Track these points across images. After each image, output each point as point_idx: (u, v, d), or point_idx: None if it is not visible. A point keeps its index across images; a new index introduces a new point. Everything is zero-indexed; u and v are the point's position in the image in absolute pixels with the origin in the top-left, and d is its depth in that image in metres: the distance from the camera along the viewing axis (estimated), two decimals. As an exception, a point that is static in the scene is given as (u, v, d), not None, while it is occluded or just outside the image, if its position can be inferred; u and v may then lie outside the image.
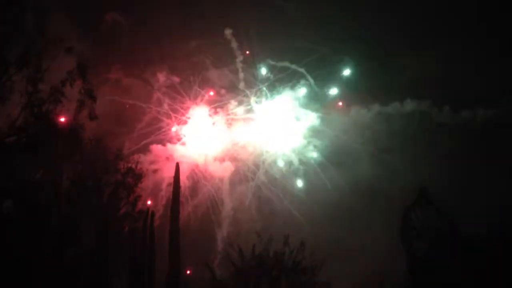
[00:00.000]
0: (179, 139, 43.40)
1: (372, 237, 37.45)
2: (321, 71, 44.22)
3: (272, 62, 44.07)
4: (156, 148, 41.88)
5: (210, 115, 43.87)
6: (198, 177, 41.93)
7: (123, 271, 28.04)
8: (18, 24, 22.19)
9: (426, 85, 43.05)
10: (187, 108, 43.70)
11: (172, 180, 33.29)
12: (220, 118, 43.74)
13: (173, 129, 43.36)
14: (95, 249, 26.17)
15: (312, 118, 44.05)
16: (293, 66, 44.33)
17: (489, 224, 31.39)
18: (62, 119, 24.55)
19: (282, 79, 44.61)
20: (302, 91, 44.63)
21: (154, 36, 42.62)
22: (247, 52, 43.69)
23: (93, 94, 24.72)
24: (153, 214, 30.35)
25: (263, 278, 29.32)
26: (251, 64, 44.07)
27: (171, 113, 43.33)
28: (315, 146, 43.62)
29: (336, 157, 42.97)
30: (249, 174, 42.73)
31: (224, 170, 42.20)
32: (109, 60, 40.65)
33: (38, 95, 23.27)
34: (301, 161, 43.29)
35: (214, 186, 41.79)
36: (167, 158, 41.25)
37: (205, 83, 43.64)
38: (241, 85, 44.03)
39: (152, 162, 40.37)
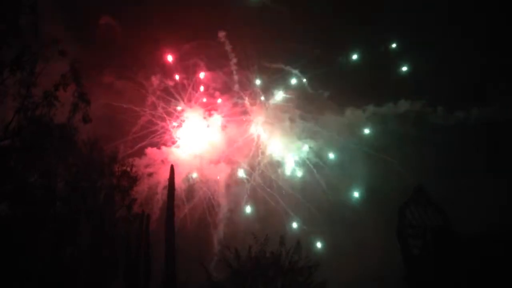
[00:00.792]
0: (174, 142, 43.47)
1: (368, 236, 37.55)
2: (315, 72, 44.50)
3: (266, 64, 44.28)
4: (151, 151, 41.93)
5: (204, 118, 43.96)
6: (194, 180, 41.97)
7: (119, 273, 27.97)
8: (11, 27, 22.16)
9: (420, 85, 43.36)
10: (182, 111, 43.82)
11: (167, 183, 33.33)
12: (214, 120, 43.84)
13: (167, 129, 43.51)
14: (91, 252, 26.11)
15: (306, 119, 44.23)
16: (287, 68, 44.57)
17: (484, 222, 31.59)
18: (56, 123, 24.47)
19: (276, 80, 44.88)
20: (296, 92, 44.84)
21: (148, 39, 42.80)
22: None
23: (86, 97, 24.74)
24: (148, 216, 30.37)
25: (259, 279, 29.20)
26: (245, 66, 44.28)
27: (165, 116, 43.43)
28: (310, 147, 43.77)
29: (330, 157, 43.16)
30: (244, 175, 42.79)
31: (219, 172, 42.26)
32: (103, 64, 40.73)
33: (32, 98, 23.26)
34: (296, 162, 43.40)
35: (210, 188, 41.84)
36: (162, 161, 41.33)
37: (199, 86, 43.85)
38: (235, 87, 44.23)
39: (147, 166, 40.44)
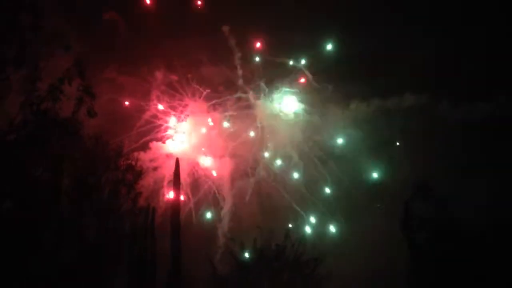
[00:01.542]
0: (178, 136, 43.51)
1: (372, 229, 37.55)
2: (319, 66, 44.38)
3: (270, 58, 44.19)
4: (155, 145, 42.04)
5: (208, 112, 44.01)
6: (199, 174, 42.07)
7: (124, 267, 28.07)
8: (14, 22, 22.16)
9: (426, 79, 43.14)
10: (186, 106, 43.87)
11: (172, 177, 33.39)
12: (219, 115, 43.87)
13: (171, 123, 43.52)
14: (96, 246, 26.20)
15: (311, 113, 44.17)
16: (292, 62, 44.47)
17: (488, 217, 31.51)
18: (61, 117, 24.49)
19: (281, 74, 44.81)
20: (300, 86, 44.76)
21: (151, 34, 42.78)
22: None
23: (91, 91, 24.67)
24: (154, 210, 30.38)
25: (264, 272, 29.43)
26: (248, 60, 44.23)
27: (169, 110, 43.48)
28: (314, 141, 43.74)
29: (335, 151, 43.13)
30: (249, 169, 42.87)
31: (224, 167, 42.33)
32: (106, 59, 40.76)
33: (36, 93, 23.24)
34: (300, 156, 43.39)
35: (215, 183, 41.94)
36: (167, 156, 41.41)
37: (203, 80, 43.83)
38: (239, 81, 44.20)
39: (152, 160, 40.54)
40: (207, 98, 44.03)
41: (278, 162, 43.45)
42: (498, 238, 29.30)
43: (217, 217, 40.19)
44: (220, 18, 43.39)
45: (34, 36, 22.37)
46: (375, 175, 42.12)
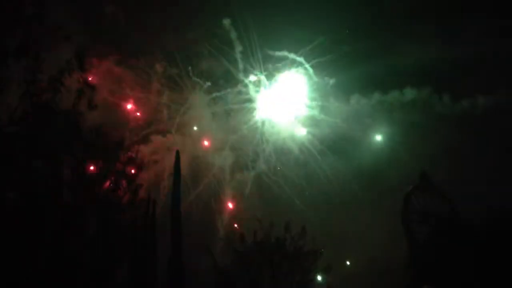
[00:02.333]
0: (179, 129, 43.57)
1: (372, 222, 37.64)
2: (319, 60, 44.28)
3: (270, 52, 44.11)
4: (156, 138, 42.12)
5: (209, 105, 44.03)
6: (199, 167, 42.15)
7: (125, 259, 28.13)
8: (15, 13, 22.14)
9: (426, 72, 43.13)
10: (186, 99, 43.89)
11: (173, 169, 33.38)
12: (219, 108, 43.91)
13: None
14: (97, 238, 26.24)
15: (311, 107, 44.15)
16: (292, 55, 44.40)
17: (489, 210, 31.57)
18: (62, 109, 24.48)
19: (281, 68, 44.75)
20: (300, 80, 44.71)
21: (153, 27, 42.78)
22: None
23: (91, 83, 24.70)
24: (154, 202, 30.43)
25: (264, 264, 29.49)
26: (249, 54, 44.15)
27: (170, 103, 43.51)
28: (314, 135, 43.78)
29: (335, 144, 43.18)
30: (249, 162, 42.95)
31: (224, 159, 42.41)
32: (107, 52, 40.81)
33: (37, 84, 23.23)
34: (300, 149, 43.43)
35: (215, 175, 42.02)
36: (168, 149, 41.46)
37: (204, 73, 43.81)
38: (240, 75, 44.18)
39: (153, 153, 40.60)
40: (208, 91, 44.09)
41: (278, 155, 43.52)
42: (498, 231, 29.37)
43: (218, 210, 40.38)
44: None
45: (36, 26, 22.39)
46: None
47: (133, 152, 30.34)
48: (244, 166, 42.89)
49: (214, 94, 43.87)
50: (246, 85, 44.07)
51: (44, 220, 23.75)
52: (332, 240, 33.45)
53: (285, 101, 44.72)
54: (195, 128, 43.71)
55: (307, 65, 44.20)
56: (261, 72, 44.34)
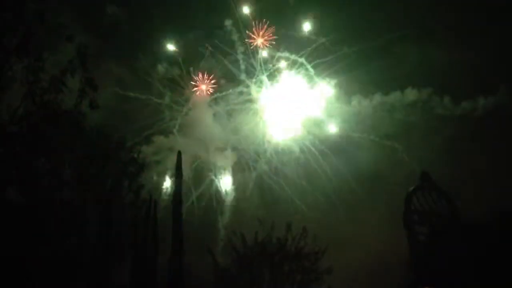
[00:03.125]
0: (180, 130, 43.62)
1: (373, 222, 37.64)
2: (321, 61, 44.39)
3: (272, 52, 44.23)
4: (158, 139, 42.17)
5: (210, 106, 44.09)
6: (201, 167, 42.20)
7: (126, 259, 28.17)
8: (18, 12, 22.21)
9: (427, 74, 43.18)
10: (188, 99, 43.98)
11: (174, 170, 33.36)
12: (221, 108, 43.96)
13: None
14: (98, 237, 26.29)
15: (312, 107, 44.20)
16: (293, 56, 44.51)
17: (490, 210, 31.52)
18: (64, 109, 24.54)
19: (283, 69, 44.81)
20: (302, 80, 44.80)
21: (154, 28, 42.94)
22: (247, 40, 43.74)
23: (93, 83, 24.71)
24: (156, 202, 30.41)
25: (265, 264, 29.48)
26: (251, 54, 44.29)
27: (172, 104, 43.61)
28: (315, 135, 43.82)
29: (336, 145, 43.22)
30: (250, 163, 42.98)
31: (226, 160, 42.43)
32: (109, 53, 40.94)
33: (39, 84, 23.28)
34: (302, 150, 43.46)
35: (217, 176, 42.04)
36: (170, 149, 41.46)
37: (205, 74, 43.91)
38: (241, 75, 44.27)
39: (155, 153, 40.61)
40: (209, 92, 44.21)
41: (280, 156, 43.57)
42: (499, 231, 29.32)
43: (219, 210, 40.42)
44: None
45: (38, 25, 22.45)
46: None
47: (135, 152, 30.47)
48: (245, 167, 42.91)
49: (215, 95, 44.06)
50: (247, 86, 44.19)
51: (45, 219, 23.83)
52: (333, 240, 33.37)
53: (287, 102, 44.75)
54: (197, 128, 43.76)
55: (308, 66, 44.36)
56: (262, 73, 44.46)
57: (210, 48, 43.62)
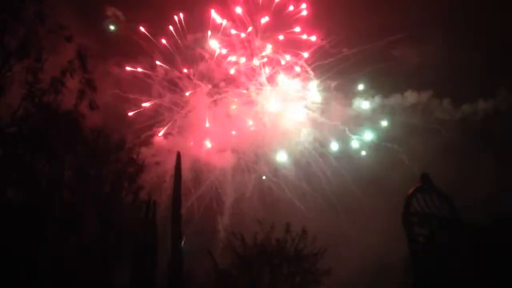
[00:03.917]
0: (180, 131, 43.63)
1: (372, 224, 37.64)
2: (321, 63, 44.47)
3: (271, 55, 44.35)
4: (158, 140, 42.20)
5: (210, 107, 44.13)
6: (201, 169, 42.16)
7: (125, 259, 28.15)
8: (17, 13, 22.28)
9: (427, 76, 43.21)
10: (188, 101, 44.03)
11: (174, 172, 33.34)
12: (220, 110, 43.99)
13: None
14: (98, 238, 26.30)
15: (312, 109, 44.28)
16: (293, 58, 44.61)
17: (489, 211, 31.57)
18: (63, 109, 24.57)
19: (282, 71, 44.91)
20: (302, 82, 44.89)
21: (154, 29, 43.06)
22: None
23: (93, 83, 24.77)
24: (155, 203, 30.41)
25: (265, 266, 29.45)
26: (250, 56, 44.40)
27: (171, 105, 43.66)
28: (315, 137, 43.83)
29: (336, 147, 43.26)
30: (250, 164, 42.98)
31: (225, 161, 42.43)
32: (108, 54, 41.06)
33: (39, 85, 23.33)
34: (301, 152, 43.48)
35: (216, 177, 42.04)
36: (169, 151, 41.39)
37: (205, 76, 44.00)
38: (241, 77, 44.38)
39: (154, 155, 40.55)
40: (209, 94, 44.27)
41: (279, 157, 43.56)
42: (498, 233, 29.35)
43: (218, 211, 40.42)
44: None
45: (38, 26, 22.52)
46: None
47: (134, 153, 30.48)
48: (245, 168, 42.91)
49: (215, 97, 44.09)
50: (247, 88, 44.28)
51: (44, 220, 23.84)
52: (333, 242, 33.33)
53: (287, 104, 44.80)
54: (196, 130, 43.76)
55: (308, 68, 44.45)
56: (262, 75, 44.53)
57: (209, 49, 43.71)
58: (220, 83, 44.36)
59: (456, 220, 31.27)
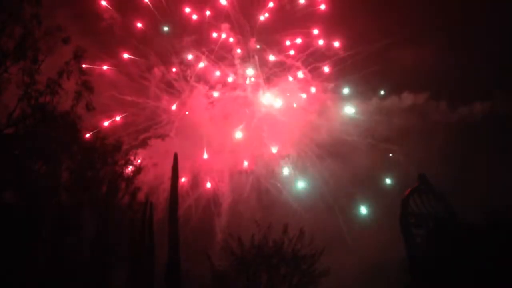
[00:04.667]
0: (177, 133, 43.58)
1: (370, 225, 37.69)
2: (317, 65, 44.62)
3: (268, 57, 44.51)
4: (155, 142, 42.12)
5: (207, 109, 44.13)
6: (198, 170, 42.10)
7: (122, 260, 28.12)
8: (15, 14, 22.32)
9: (424, 78, 43.37)
10: (185, 103, 44.03)
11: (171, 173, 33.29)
12: (217, 111, 43.98)
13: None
14: (95, 239, 26.27)
15: (310, 111, 44.33)
16: (290, 60, 44.70)
17: (486, 212, 31.60)
18: (60, 111, 24.59)
19: (279, 73, 45.03)
20: (299, 84, 44.99)
21: (151, 32, 43.20)
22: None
23: (89, 85, 24.83)
24: (152, 204, 30.40)
25: (262, 267, 29.37)
26: (247, 58, 44.50)
27: (168, 107, 43.64)
28: (312, 139, 43.85)
29: (333, 148, 43.31)
30: (248, 166, 42.95)
31: (223, 163, 42.40)
32: (105, 56, 41.15)
33: (35, 86, 23.37)
34: (298, 153, 43.49)
35: (214, 178, 42.00)
36: (167, 152, 41.28)
37: (201, 78, 44.09)
38: (238, 79, 44.44)
39: (151, 156, 40.37)
40: (207, 95, 44.33)
41: (277, 159, 43.57)
42: (496, 233, 29.37)
43: (216, 213, 40.36)
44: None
45: (35, 27, 22.55)
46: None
47: (131, 155, 30.53)
48: (242, 170, 42.87)
49: (212, 98, 44.11)
50: (244, 89, 44.32)
51: (42, 221, 23.83)
52: (330, 243, 33.32)
53: (283, 105, 44.84)
54: (193, 131, 43.70)
55: (305, 70, 44.56)
56: (259, 76, 44.61)
57: (207, 52, 43.82)
58: (217, 85, 44.49)
59: (452, 221, 31.32)
